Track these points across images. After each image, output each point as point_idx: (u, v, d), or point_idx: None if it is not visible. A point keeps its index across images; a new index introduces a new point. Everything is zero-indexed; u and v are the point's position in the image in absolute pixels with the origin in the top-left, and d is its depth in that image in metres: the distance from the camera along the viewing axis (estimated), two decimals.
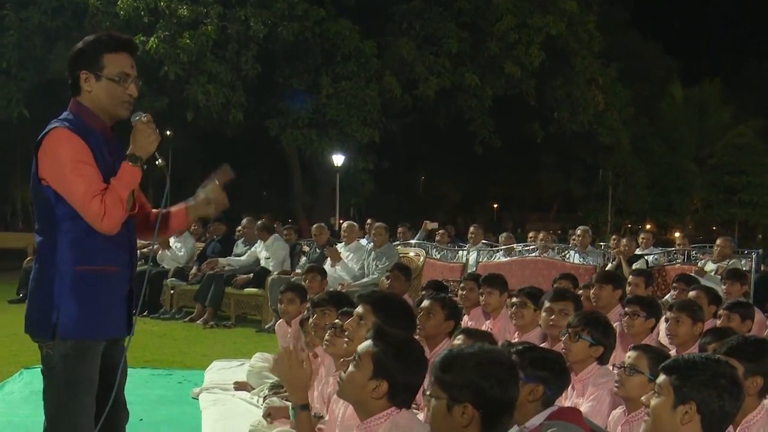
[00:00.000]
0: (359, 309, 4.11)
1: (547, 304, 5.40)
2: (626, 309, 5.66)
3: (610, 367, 4.29)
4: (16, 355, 8.13)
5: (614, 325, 6.00)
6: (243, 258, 12.25)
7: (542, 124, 28.16)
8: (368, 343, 3.07)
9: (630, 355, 3.95)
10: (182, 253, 13.08)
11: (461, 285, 7.36)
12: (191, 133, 27.62)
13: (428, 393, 2.70)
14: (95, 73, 3.32)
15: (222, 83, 19.42)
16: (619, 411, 3.97)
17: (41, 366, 3.36)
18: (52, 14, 19.35)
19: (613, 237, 12.94)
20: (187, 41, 18.51)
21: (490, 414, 2.56)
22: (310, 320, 5.14)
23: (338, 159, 25.51)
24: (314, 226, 12.51)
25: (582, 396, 4.36)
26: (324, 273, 8.50)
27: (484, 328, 6.16)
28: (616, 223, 37.69)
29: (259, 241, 12.21)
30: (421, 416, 3.42)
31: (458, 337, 4.35)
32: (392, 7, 23.54)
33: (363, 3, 22.70)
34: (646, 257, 11.60)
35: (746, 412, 3.40)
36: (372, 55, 21.62)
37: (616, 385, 3.94)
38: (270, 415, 5.03)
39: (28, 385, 7.02)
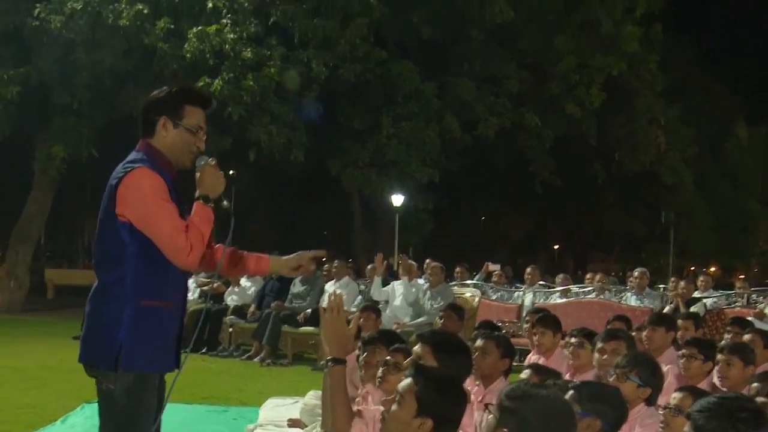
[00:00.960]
0: (418, 348, 4.14)
1: (599, 344, 5.44)
2: (684, 351, 5.66)
3: (658, 409, 4.31)
4: (79, 389, 8.30)
5: (668, 367, 6.07)
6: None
7: (603, 164, 28.01)
8: (408, 381, 3.11)
9: (675, 396, 3.98)
10: (251, 292, 13.27)
11: (525, 320, 7.42)
12: (254, 173, 28.04)
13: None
14: (174, 121, 3.53)
15: (284, 124, 19.73)
16: None
17: (98, 401, 3.46)
18: (122, 56, 19.91)
19: (672, 279, 12.85)
20: (251, 83, 18.86)
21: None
22: (360, 358, 5.21)
23: (397, 199, 25.66)
24: (369, 267, 12.67)
25: None
26: (378, 312, 8.60)
27: None
28: (678, 265, 37.12)
29: (334, 279, 12.40)
30: None
31: (525, 371, 4.39)
32: (453, 47, 23.73)
33: (425, 44, 22.96)
34: (704, 300, 11.47)
35: None
36: (432, 96, 21.76)
37: (661, 425, 3.97)
38: None
39: (89, 418, 7.19)
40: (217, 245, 3.82)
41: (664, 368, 6.07)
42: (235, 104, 18.91)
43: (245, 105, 19.01)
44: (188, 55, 18.94)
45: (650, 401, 4.46)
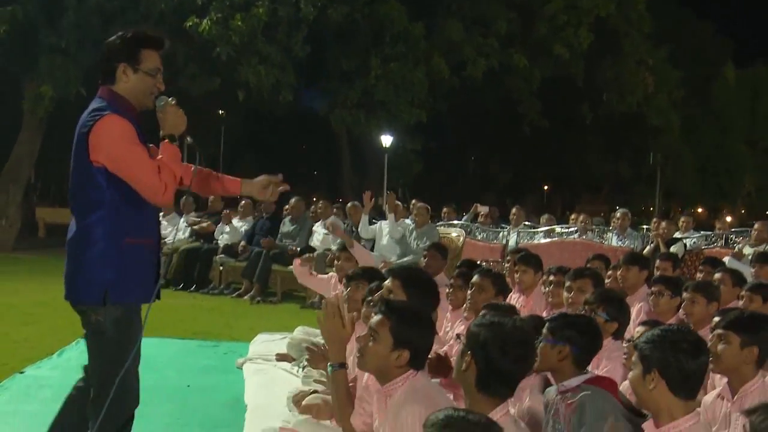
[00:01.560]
0: (388, 282, 4.39)
1: (567, 282, 5.70)
2: (652, 288, 5.90)
3: (623, 342, 4.55)
4: (74, 324, 8.46)
5: (640, 305, 6.34)
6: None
7: (591, 106, 28.17)
8: (380, 317, 3.33)
9: (638, 330, 4.22)
10: (242, 231, 13.45)
11: (507, 260, 7.63)
12: (242, 113, 28.09)
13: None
14: (133, 66, 3.68)
15: (272, 64, 19.78)
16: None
17: (86, 333, 3.70)
18: None
19: (654, 220, 13.04)
20: (239, 23, 18.85)
21: (486, 376, 2.93)
22: (344, 293, 5.40)
23: (387, 140, 25.82)
24: (349, 204, 12.89)
25: (597, 368, 4.62)
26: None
27: (516, 304, 6.38)
28: (665, 206, 37.45)
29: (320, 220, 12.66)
30: None
31: (482, 312, 4.61)
32: None
33: None
34: (684, 241, 11.72)
35: (744, 381, 3.66)
36: (420, 37, 21.78)
37: (624, 357, 4.23)
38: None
39: (84, 353, 7.43)
40: (186, 164, 4.01)
41: (637, 305, 6.36)
42: (224, 44, 18.94)
43: (233, 45, 19.04)
44: None
45: (617, 335, 4.68)
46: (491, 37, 23.13)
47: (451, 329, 5.88)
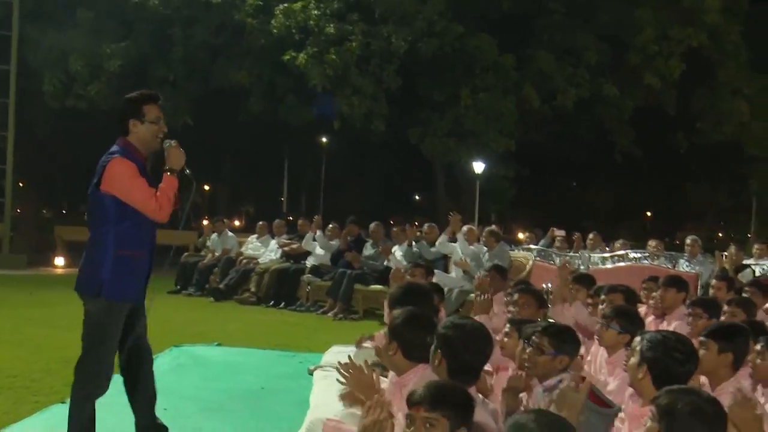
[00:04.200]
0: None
1: (602, 296, 6.37)
2: (689, 310, 6.41)
3: None
4: (168, 335, 9.43)
5: (677, 323, 6.83)
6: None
7: (685, 135, 28.13)
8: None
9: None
10: (323, 252, 14.30)
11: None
12: (343, 140, 29.12)
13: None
14: (140, 119, 4.88)
15: (365, 95, 20.72)
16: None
17: (84, 317, 4.85)
18: (215, 32, 21.15)
19: (732, 247, 13.27)
20: (333, 57, 19.90)
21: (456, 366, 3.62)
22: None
23: (479, 167, 26.39)
24: (372, 224, 13.71)
25: (612, 375, 5.20)
26: (431, 270, 9.41)
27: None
28: (761, 235, 36.73)
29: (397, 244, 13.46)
30: None
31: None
32: (533, 20, 24.26)
33: (505, 17, 23.54)
34: (753, 267, 11.96)
35: (721, 381, 4.25)
36: (510, 68, 22.38)
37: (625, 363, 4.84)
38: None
39: (175, 358, 8.38)
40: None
41: (674, 323, 6.87)
42: (319, 77, 19.95)
43: (328, 78, 20.03)
44: (275, 31, 20.11)
45: (629, 346, 5.25)
46: (581, 67, 23.53)
47: None
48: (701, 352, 4.29)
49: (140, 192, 4.77)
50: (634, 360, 3.74)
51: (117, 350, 4.98)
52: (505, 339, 4.98)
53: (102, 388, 4.88)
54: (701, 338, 4.41)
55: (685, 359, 3.70)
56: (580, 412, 3.32)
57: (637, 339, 4.41)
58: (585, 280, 7.62)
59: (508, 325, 5.05)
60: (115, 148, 4.86)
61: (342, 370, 4.25)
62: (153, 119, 4.90)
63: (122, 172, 4.74)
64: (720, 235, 44.38)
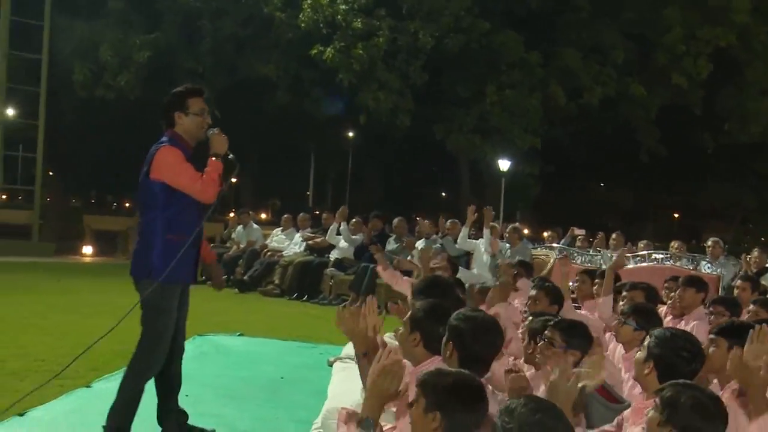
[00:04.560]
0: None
1: (623, 292, 6.46)
2: (710, 308, 6.46)
3: None
4: (192, 324, 9.52)
5: (695, 323, 6.87)
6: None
7: (712, 135, 28.02)
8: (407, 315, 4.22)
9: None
10: (350, 248, 14.43)
11: (576, 277, 8.34)
12: (369, 134, 29.21)
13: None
14: (185, 111, 5.10)
15: (391, 90, 20.81)
16: None
17: (139, 302, 5.03)
18: (243, 24, 21.30)
19: (756, 250, 13.25)
20: (360, 51, 20.00)
21: (466, 357, 3.69)
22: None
23: (504, 164, 26.41)
24: (396, 219, 13.79)
25: (628, 371, 5.27)
26: (456, 267, 9.51)
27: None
28: None
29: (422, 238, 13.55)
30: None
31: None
32: (560, 17, 24.25)
33: (532, 14, 23.54)
34: None
35: (730, 379, 4.26)
36: (536, 65, 22.41)
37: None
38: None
39: (198, 347, 8.52)
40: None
41: (692, 323, 6.91)
42: (346, 72, 20.06)
43: (355, 72, 20.14)
44: (303, 25, 20.23)
45: None
46: (608, 66, 23.52)
47: None
48: (711, 349, 4.36)
49: (187, 176, 5.00)
50: (641, 354, 3.81)
51: (172, 329, 5.18)
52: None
53: (156, 368, 5.14)
54: (711, 336, 4.46)
55: (691, 358, 3.78)
56: (576, 405, 3.41)
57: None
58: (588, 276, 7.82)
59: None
60: (163, 138, 5.11)
61: (339, 314, 4.32)
62: (197, 111, 5.12)
63: (170, 159, 4.98)
64: (747, 237, 44.04)
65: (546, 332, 4.42)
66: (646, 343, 3.87)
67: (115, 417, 5.06)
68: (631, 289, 6.63)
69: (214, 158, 5.12)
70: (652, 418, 3.08)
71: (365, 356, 4.56)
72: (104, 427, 5.05)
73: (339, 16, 20.17)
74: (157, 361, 5.14)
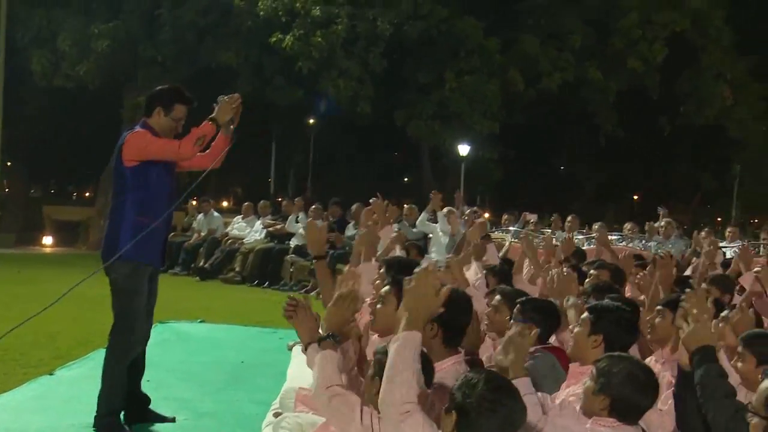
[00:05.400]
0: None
1: (591, 270, 6.70)
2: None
3: None
4: (156, 314, 9.71)
5: None
6: None
7: (669, 118, 28.45)
8: (387, 287, 4.42)
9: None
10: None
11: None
12: (330, 122, 29.28)
13: None
14: (166, 112, 5.24)
15: (351, 77, 20.95)
16: None
17: (111, 288, 5.25)
18: (202, 12, 21.26)
19: (706, 230, 13.61)
20: (319, 39, 20.10)
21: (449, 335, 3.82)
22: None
23: (464, 149, 26.68)
24: (354, 205, 13.96)
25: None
26: (422, 250, 9.75)
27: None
28: (744, 219, 37.10)
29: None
30: None
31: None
32: (519, 4, 24.46)
33: (491, 1, 23.76)
34: (725, 250, 12.29)
35: (675, 350, 4.50)
36: (495, 51, 22.59)
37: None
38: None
39: (160, 334, 8.59)
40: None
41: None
42: (305, 59, 20.17)
43: (314, 60, 20.25)
44: (262, 13, 20.29)
45: None
46: (566, 51, 23.77)
47: None
48: (657, 319, 4.63)
49: (158, 143, 5.16)
50: (582, 330, 4.01)
51: (143, 312, 5.31)
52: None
53: (133, 350, 5.31)
54: (658, 307, 4.74)
55: (629, 326, 4.12)
56: (525, 357, 3.56)
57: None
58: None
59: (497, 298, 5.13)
60: (137, 126, 5.29)
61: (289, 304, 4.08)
62: (176, 117, 5.27)
63: (139, 137, 5.16)
64: (706, 219, 44.65)
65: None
66: (584, 315, 4.09)
67: (104, 403, 5.19)
68: (599, 267, 6.72)
69: (210, 122, 5.25)
70: (588, 387, 3.31)
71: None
72: (96, 415, 5.18)
73: (298, 4, 20.20)
74: (137, 342, 5.33)
